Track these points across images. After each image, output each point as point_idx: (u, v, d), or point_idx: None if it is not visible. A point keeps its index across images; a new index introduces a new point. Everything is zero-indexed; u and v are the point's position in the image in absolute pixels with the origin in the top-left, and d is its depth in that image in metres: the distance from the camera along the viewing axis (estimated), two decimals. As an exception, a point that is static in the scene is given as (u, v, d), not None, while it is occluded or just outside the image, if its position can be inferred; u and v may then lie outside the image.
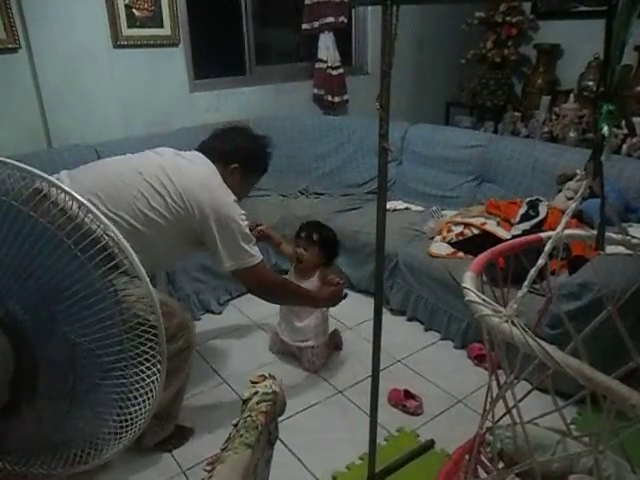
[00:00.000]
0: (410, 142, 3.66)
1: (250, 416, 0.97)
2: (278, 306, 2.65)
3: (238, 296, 3.20)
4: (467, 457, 1.53)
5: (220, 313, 3.09)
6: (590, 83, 3.85)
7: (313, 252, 2.52)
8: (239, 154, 2.04)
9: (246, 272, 1.94)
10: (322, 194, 3.69)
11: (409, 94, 4.67)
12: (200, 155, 2.01)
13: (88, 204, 1.28)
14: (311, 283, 2.51)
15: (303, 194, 3.71)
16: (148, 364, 1.21)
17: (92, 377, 1.19)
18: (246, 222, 1.95)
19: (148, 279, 1.30)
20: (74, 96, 3.06)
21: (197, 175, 1.91)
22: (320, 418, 2.27)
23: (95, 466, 1.47)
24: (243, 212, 1.95)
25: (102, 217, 1.28)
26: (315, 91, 4.18)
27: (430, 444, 2.10)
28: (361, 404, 2.31)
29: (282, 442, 2.10)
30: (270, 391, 1.09)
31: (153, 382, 1.23)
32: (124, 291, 1.27)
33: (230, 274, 1.96)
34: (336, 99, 4.16)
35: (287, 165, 3.80)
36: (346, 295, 2.50)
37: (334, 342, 2.74)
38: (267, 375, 1.18)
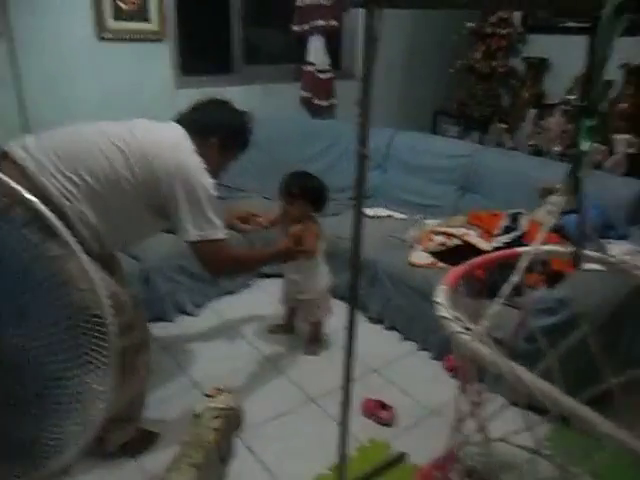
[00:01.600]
0: (396, 149, 3.65)
1: (199, 434, 0.92)
2: (260, 309, 2.64)
3: (217, 298, 3.15)
4: (436, 473, 1.50)
5: (196, 315, 3.04)
6: (573, 97, 3.86)
7: (298, 206, 2.45)
8: (218, 128, 1.98)
9: (210, 246, 1.83)
10: (305, 198, 3.66)
11: (397, 100, 4.65)
12: (175, 124, 1.95)
13: None
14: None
15: (286, 197, 3.67)
16: (95, 361, 1.15)
17: (38, 381, 1.14)
18: (216, 193, 1.86)
19: (75, 242, 1.19)
20: (55, 88, 2.99)
21: (166, 135, 1.85)
22: (290, 426, 2.23)
23: (56, 471, 1.42)
24: (213, 182, 1.86)
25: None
26: (303, 94, 4.14)
27: (401, 457, 2.07)
28: (333, 413, 2.27)
29: (250, 450, 2.05)
30: (224, 406, 1.04)
31: (97, 378, 1.17)
32: (62, 267, 1.18)
33: (190, 247, 1.85)
34: (324, 103, 4.13)
35: (271, 167, 3.75)
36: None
37: (314, 346, 2.74)
38: (224, 387, 1.13)
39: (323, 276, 2.65)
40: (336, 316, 2.85)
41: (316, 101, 4.11)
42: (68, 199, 1.65)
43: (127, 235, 1.91)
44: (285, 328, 2.91)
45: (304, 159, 3.82)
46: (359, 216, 1.56)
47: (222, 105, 2.07)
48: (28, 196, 1.14)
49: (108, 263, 1.85)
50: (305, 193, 2.45)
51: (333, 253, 3.11)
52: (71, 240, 1.12)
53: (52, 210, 1.23)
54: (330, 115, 4.26)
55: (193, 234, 1.81)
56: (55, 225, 1.14)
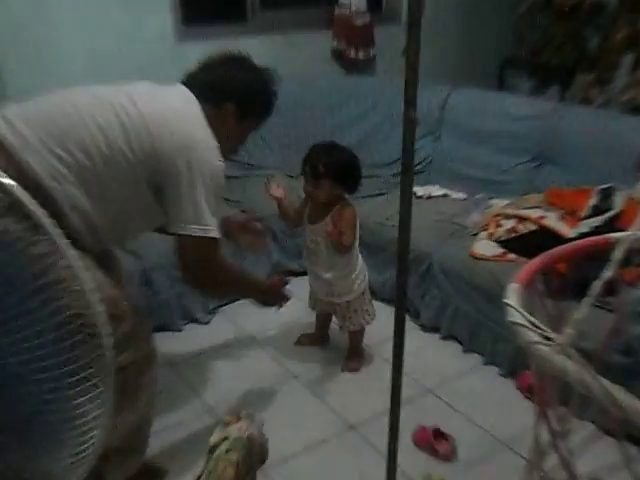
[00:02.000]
0: (452, 111, 3.62)
1: (215, 469, 0.95)
2: (285, 315, 2.67)
3: (230, 302, 3.20)
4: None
5: (207, 323, 3.09)
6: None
7: (325, 187, 2.44)
8: (236, 90, 1.99)
9: (204, 244, 1.86)
10: (339, 175, 3.68)
11: (453, 49, 4.61)
12: (182, 87, 1.97)
13: None
14: (322, 228, 2.49)
15: (315, 175, 3.69)
16: (89, 381, 1.17)
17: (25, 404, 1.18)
18: (223, 181, 1.90)
19: (60, 234, 1.18)
20: (30, 42, 3.05)
21: (172, 103, 1.87)
22: (326, 460, 2.25)
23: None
24: (223, 165, 1.89)
25: None
26: (334, 44, 4.15)
27: (464, 498, 2.07)
28: (378, 444, 2.28)
29: (277, 490, 2.08)
30: (246, 436, 1.06)
31: (92, 403, 1.20)
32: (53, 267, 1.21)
33: (179, 242, 1.87)
34: (360, 55, 4.13)
35: (296, 138, 3.78)
36: (286, 298, 2.44)
37: (353, 362, 2.76)
38: (244, 414, 1.14)
39: (361, 273, 2.66)
40: (380, 323, 2.86)
41: (351, 53, 4.11)
42: (58, 181, 1.67)
43: (126, 226, 1.94)
44: (316, 339, 2.93)
45: (337, 127, 3.83)
46: (408, 197, 1.57)
47: (239, 62, 2.08)
48: (4, 180, 1.16)
49: (104, 261, 1.89)
50: (332, 170, 2.44)
51: (374, 244, 3.12)
52: (55, 232, 1.14)
53: (39, 195, 1.24)
54: (369, 70, 4.25)
55: (189, 225, 1.83)
56: (36, 213, 1.16)
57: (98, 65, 3.27)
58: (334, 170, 2.44)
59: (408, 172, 1.54)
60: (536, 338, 1.01)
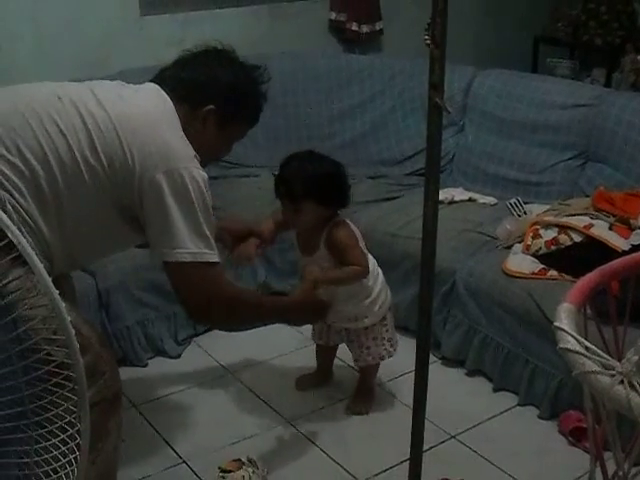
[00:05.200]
0: (478, 97, 3.67)
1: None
2: (275, 346, 2.69)
3: (205, 331, 3.22)
4: None
5: (178, 356, 3.11)
6: None
7: (308, 211, 2.44)
8: (217, 90, 2.02)
9: (203, 271, 1.88)
10: (340, 175, 3.71)
11: (479, 24, 4.67)
12: (154, 86, 2.00)
13: None
14: (320, 259, 2.51)
15: (310, 174, 3.72)
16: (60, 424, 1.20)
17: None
18: (209, 193, 1.92)
19: (47, 274, 1.24)
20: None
21: (143, 105, 1.90)
22: (330, 522, 2.28)
23: None
24: (206, 175, 1.92)
25: None
26: (333, 15, 4.19)
27: None
28: (393, 502, 2.32)
29: None
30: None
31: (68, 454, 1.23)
32: (16, 294, 1.25)
33: (172, 270, 1.89)
34: (364, 28, 4.18)
35: (286, 130, 3.82)
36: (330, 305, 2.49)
37: (362, 403, 2.78)
38: (245, 460, 1.18)
39: (382, 291, 2.68)
40: (394, 356, 2.90)
41: (353, 26, 4.16)
42: (10, 193, 1.69)
43: (85, 250, 1.96)
44: (320, 378, 2.92)
45: (336, 116, 3.87)
46: (433, 201, 1.60)
47: (221, 57, 2.12)
48: None
49: (57, 283, 1.91)
50: (313, 189, 2.41)
51: (384, 259, 3.12)
52: (23, 241, 1.18)
53: None
54: (375, 47, 4.30)
55: (182, 252, 1.85)
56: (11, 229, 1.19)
57: (48, 47, 3.33)
58: (315, 189, 2.42)
59: (434, 170, 1.57)
60: (595, 367, 1.05)
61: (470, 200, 3.41)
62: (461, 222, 3.15)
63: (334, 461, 2.53)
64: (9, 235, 1.18)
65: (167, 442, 2.62)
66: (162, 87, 2.00)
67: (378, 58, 4.13)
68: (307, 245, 2.56)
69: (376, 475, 2.45)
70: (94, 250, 2.01)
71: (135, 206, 1.86)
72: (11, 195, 1.69)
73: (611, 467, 1.34)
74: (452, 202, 3.37)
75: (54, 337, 1.23)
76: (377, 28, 4.24)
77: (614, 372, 1.02)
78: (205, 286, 1.93)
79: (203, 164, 1.97)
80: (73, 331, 1.22)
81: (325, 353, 2.90)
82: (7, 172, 1.69)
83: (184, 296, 1.97)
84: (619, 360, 1.10)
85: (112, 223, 1.89)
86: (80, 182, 1.78)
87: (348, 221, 2.58)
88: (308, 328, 2.84)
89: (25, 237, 1.67)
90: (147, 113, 1.88)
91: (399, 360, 2.75)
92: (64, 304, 1.73)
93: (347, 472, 2.48)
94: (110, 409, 1.87)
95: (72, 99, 1.81)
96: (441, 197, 3.34)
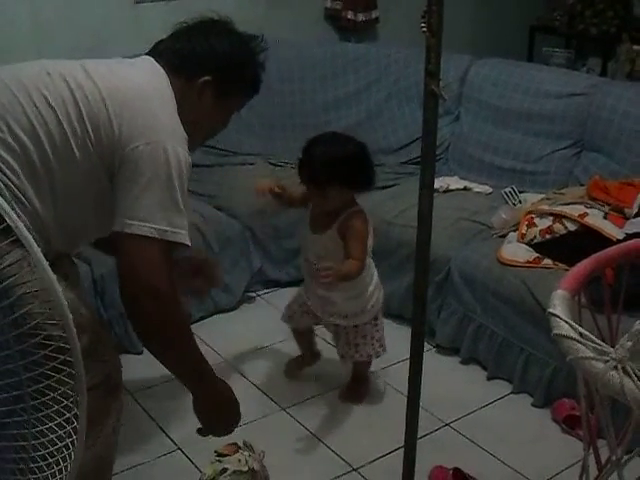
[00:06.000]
0: (473, 86, 3.68)
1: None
2: (269, 335, 2.68)
3: (200, 319, 3.23)
4: None
5: (173, 343, 3.11)
6: None
7: (333, 195, 2.41)
8: (214, 60, 1.97)
9: (162, 248, 1.73)
10: (334, 163, 3.71)
11: (475, 13, 4.67)
12: (148, 59, 1.97)
13: None
14: (328, 239, 2.48)
15: (305, 162, 3.72)
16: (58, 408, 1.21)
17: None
18: (187, 180, 1.82)
19: (37, 247, 1.21)
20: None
21: (136, 79, 1.86)
22: (324, 509, 2.28)
23: None
24: (190, 158, 1.83)
25: None
26: (329, 3, 4.19)
27: None
28: (387, 488, 2.33)
29: None
30: (245, 469, 1.11)
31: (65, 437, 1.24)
32: (14, 277, 1.25)
33: (132, 243, 1.73)
34: (360, 16, 4.17)
35: (282, 118, 3.81)
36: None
37: (357, 391, 2.79)
38: (242, 444, 1.19)
39: (376, 290, 2.68)
40: (388, 344, 2.90)
41: (349, 15, 4.16)
42: (1, 171, 1.67)
43: (80, 227, 1.92)
44: (307, 359, 2.92)
45: (331, 104, 3.88)
46: (428, 189, 1.60)
47: (218, 27, 2.07)
48: None
49: (56, 265, 1.90)
50: (339, 173, 2.38)
51: (379, 247, 3.13)
52: (28, 236, 1.18)
53: None
54: (370, 35, 4.30)
55: (149, 226, 1.71)
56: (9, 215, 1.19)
57: (45, 31, 3.33)
58: (341, 173, 2.39)
59: (429, 157, 1.57)
60: (589, 353, 1.06)
61: (465, 189, 3.43)
62: (456, 211, 3.16)
63: (329, 448, 2.55)
64: (7, 219, 1.18)
65: (162, 429, 2.63)
66: (157, 60, 1.96)
67: (374, 46, 4.12)
68: (319, 223, 2.53)
69: (371, 462, 2.47)
70: (89, 226, 1.94)
71: (116, 172, 1.79)
72: (3, 173, 1.67)
73: (604, 454, 1.36)
74: (447, 191, 3.39)
75: (51, 322, 1.24)
76: (373, 16, 4.23)
77: (608, 358, 1.03)
78: (159, 268, 1.74)
79: (201, 138, 1.95)
80: (70, 315, 1.22)
81: (301, 336, 2.87)
82: None
83: (134, 273, 1.74)
84: (613, 347, 1.11)
85: (105, 197, 1.82)
86: (70, 155, 1.75)
87: (366, 213, 2.55)
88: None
89: (19, 216, 1.65)
90: (139, 87, 1.84)
91: (394, 348, 2.76)
92: (61, 285, 1.74)
93: (342, 459, 2.49)
94: (110, 392, 1.87)
95: (61, 73, 1.78)
96: (436, 186, 3.32)
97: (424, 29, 1.49)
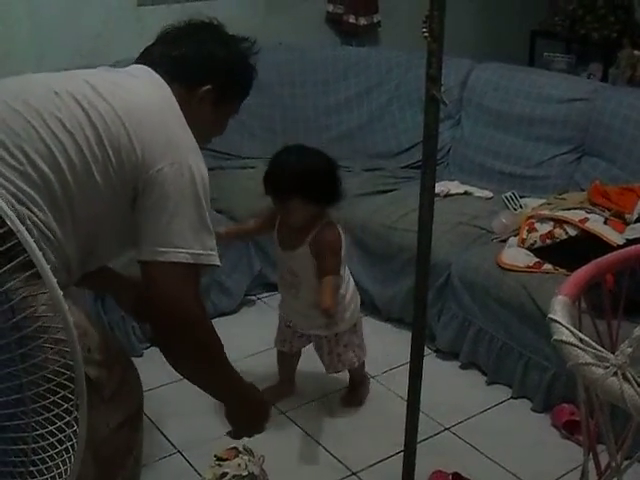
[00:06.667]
0: (474, 90, 3.68)
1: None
2: (265, 335, 2.70)
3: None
4: None
5: (173, 347, 3.11)
6: None
7: (296, 208, 2.38)
8: (213, 69, 1.95)
9: (184, 273, 1.67)
10: (335, 167, 3.71)
11: (477, 18, 4.67)
12: (146, 69, 1.91)
13: None
14: (301, 256, 2.45)
15: (306, 166, 3.73)
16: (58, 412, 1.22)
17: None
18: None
19: (52, 277, 1.23)
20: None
21: (145, 94, 1.82)
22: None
23: None
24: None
25: None
26: (330, 8, 4.20)
27: None
28: (387, 493, 2.33)
29: None
30: (244, 473, 1.11)
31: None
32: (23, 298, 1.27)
33: (153, 271, 1.67)
34: (362, 20, 4.18)
35: (283, 121, 3.82)
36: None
37: (356, 395, 2.79)
38: (242, 449, 1.19)
39: (353, 299, 2.65)
40: (386, 348, 2.90)
41: (350, 18, 4.16)
42: (27, 207, 1.60)
43: (98, 253, 1.86)
44: (285, 389, 2.85)
45: (332, 108, 3.88)
46: (429, 194, 1.61)
47: (211, 32, 2.03)
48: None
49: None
50: (300, 185, 2.36)
51: (380, 251, 3.18)
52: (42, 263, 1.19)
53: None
54: (372, 39, 4.31)
55: (183, 251, 1.67)
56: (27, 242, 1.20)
57: (45, 36, 3.33)
58: (302, 185, 2.36)
59: (430, 163, 1.58)
60: (589, 359, 1.06)
61: (466, 193, 3.42)
62: (457, 215, 3.16)
63: (329, 452, 2.55)
64: (34, 260, 1.20)
65: (161, 432, 2.63)
66: (151, 66, 1.90)
67: (375, 50, 4.12)
68: (289, 240, 2.50)
69: (371, 466, 2.47)
70: (107, 252, 1.92)
71: (139, 196, 1.74)
72: (29, 209, 1.59)
73: (604, 460, 1.36)
74: (448, 195, 3.39)
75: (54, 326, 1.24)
76: (375, 20, 4.24)
77: (608, 364, 1.03)
78: (199, 293, 1.72)
79: (200, 145, 1.95)
80: (71, 318, 1.22)
81: (288, 361, 2.82)
82: (20, 184, 1.59)
83: (172, 304, 1.68)
84: (613, 354, 1.11)
85: (124, 222, 1.78)
86: (91, 181, 1.68)
87: (338, 224, 2.53)
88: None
89: (46, 254, 1.57)
90: (151, 103, 1.80)
91: (394, 352, 2.76)
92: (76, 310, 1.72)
93: (341, 463, 2.50)
94: (137, 424, 1.90)
95: (69, 92, 1.71)
96: (437, 190, 3.30)
97: (425, 34, 1.49)
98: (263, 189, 2.47)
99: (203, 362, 1.83)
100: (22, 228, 1.22)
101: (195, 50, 1.96)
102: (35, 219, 1.59)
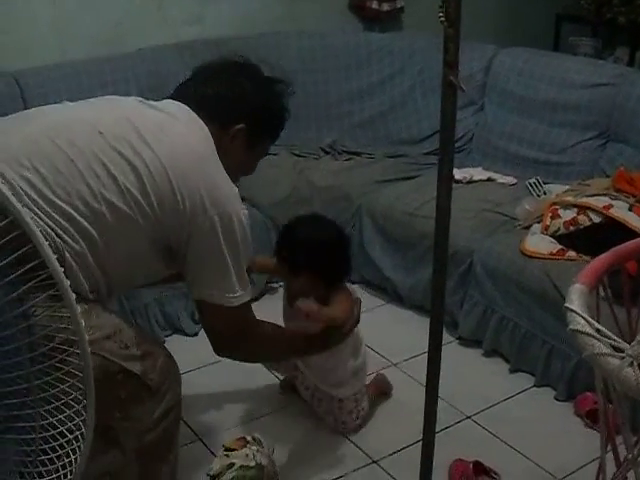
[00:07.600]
0: (498, 76, 3.65)
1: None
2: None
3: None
4: None
5: (195, 335, 3.12)
6: None
7: (304, 282, 2.35)
8: (247, 108, 1.98)
9: (234, 313, 1.89)
10: (358, 153, 3.69)
11: (500, 2, 4.63)
12: (185, 108, 1.93)
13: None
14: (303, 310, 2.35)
15: (328, 153, 3.71)
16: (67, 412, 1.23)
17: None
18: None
19: (78, 310, 1.30)
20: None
21: (189, 141, 1.85)
22: (344, 501, 2.28)
23: None
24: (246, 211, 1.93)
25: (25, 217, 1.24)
26: (352, -7, 4.18)
27: None
28: (406, 481, 2.32)
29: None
30: (252, 464, 1.10)
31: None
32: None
33: (207, 309, 1.90)
34: (385, 6, 4.16)
35: (305, 108, 3.80)
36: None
37: (379, 389, 2.76)
38: (250, 439, 1.18)
39: (359, 367, 2.55)
40: (409, 335, 2.89)
41: (373, 4, 4.13)
42: (64, 241, 1.65)
43: (128, 284, 2.04)
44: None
45: (355, 94, 3.88)
46: (446, 181, 1.59)
47: (248, 72, 2.06)
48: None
49: None
50: (314, 265, 2.32)
51: (402, 239, 3.17)
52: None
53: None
54: (395, 25, 4.28)
55: (231, 296, 1.86)
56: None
57: (65, 24, 3.34)
58: (318, 263, 2.33)
59: (447, 150, 1.56)
60: (604, 349, 1.04)
61: (489, 180, 3.41)
62: (480, 202, 3.15)
63: (350, 440, 2.55)
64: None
65: (183, 419, 2.63)
66: (185, 102, 1.94)
67: (397, 36, 4.11)
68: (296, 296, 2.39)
69: (390, 455, 2.47)
70: (127, 286, 2.12)
71: (180, 247, 1.84)
72: (66, 243, 1.65)
73: (623, 451, 1.33)
74: (470, 182, 3.37)
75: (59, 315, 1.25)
76: (398, 6, 4.21)
77: (624, 354, 1.01)
78: (242, 326, 1.96)
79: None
80: (78, 308, 1.23)
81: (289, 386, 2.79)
82: (59, 219, 1.64)
83: (219, 334, 1.97)
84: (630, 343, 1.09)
85: (149, 261, 1.89)
86: (129, 224, 1.74)
87: (350, 288, 2.47)
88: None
89: (82, 283, 1.69)
90: (194, 151, 1.84)
91: (416, 340, 2.72)
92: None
93: (362, 451, 2.49)
94: (177, 418, 1.98)
95: (115, 134, 1.75)
96: (459, 177, 3.34)
97: (442, 19, 1.47)
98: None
99: (263, 359, 2.51)
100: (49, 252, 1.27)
101: (229, 89, 2.00)
102: (72, 252, 1.66)
